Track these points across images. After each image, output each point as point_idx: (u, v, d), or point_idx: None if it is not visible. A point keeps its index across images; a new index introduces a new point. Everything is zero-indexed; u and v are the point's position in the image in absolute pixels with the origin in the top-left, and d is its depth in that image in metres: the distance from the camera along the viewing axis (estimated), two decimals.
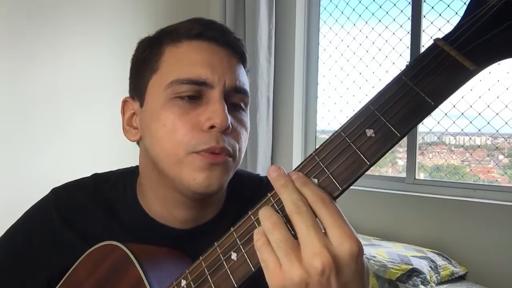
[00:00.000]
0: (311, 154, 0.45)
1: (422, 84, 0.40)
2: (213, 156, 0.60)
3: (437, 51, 0.39)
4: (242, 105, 0.65)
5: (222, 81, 0.61)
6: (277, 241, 0.42)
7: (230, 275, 0.47)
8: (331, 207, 0.42)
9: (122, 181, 0.74)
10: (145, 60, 0.66)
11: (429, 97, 0.39)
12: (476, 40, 0.37)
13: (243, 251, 0.47)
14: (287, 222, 0.43)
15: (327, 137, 0.45)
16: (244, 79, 0.66)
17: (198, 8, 2.61)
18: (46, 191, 0.74)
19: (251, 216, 0.47)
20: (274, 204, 0.46)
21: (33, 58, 2.04)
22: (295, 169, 0.46)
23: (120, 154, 1.65)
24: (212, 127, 0.59)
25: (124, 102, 0.70)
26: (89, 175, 0.77)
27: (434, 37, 0.41)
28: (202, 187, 0.60)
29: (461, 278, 1.79)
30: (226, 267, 0.48)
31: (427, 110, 0.40)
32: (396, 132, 0.41)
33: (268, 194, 0.46)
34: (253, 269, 0.46)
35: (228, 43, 0.65)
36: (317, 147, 0.45)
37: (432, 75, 0.39)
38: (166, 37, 0.65)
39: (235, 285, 0.47)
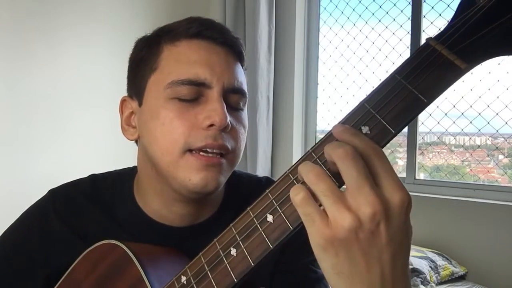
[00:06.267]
0: (308, 151, 0.45)
1: (415, 82, 0.41)
2: (207, 158, 0.60)
3: (429, 50, 0.40)
4: (241, 104, 0.66)
5: (221, 81, 0.62)
6: (323, 191, 0.39)
7: (230, 271, 0.48)
8: (383, 157, 0.40)
9: (119, 181, 0.74)
10: (143, 59, 0.66)
11: (422, 95, 0.40)
12: (467, 40, 0.38)
13: (242, 246, 0.47)
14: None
15: None
16: (242, 78, 0.67)
17: (198, 8, 2.61)
18: (45, 191, 0.75)
19: (250, 212, 0.47)
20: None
21: (33, 58, 2.04)
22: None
23: (119, 154, 1.65)
24: (211, 125, 0.60)
25: (123, 101, 0.70)
26: (87, 175, 0.77)
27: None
28: (198, 187, 0.61)
29: (461, 278, 1.79)
30: (226, 262, 0.48)
31: (420, 107, 0.41)
32: (391, 129, 0.41)
33: (266, 190, 0.46)
34: (253, 264, 0.46)
35: (226, 42, 0.66)
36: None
37: (425, 73, 0.41)
38: (164, 36, 0.66)
39: (235, 281, 0.47)
